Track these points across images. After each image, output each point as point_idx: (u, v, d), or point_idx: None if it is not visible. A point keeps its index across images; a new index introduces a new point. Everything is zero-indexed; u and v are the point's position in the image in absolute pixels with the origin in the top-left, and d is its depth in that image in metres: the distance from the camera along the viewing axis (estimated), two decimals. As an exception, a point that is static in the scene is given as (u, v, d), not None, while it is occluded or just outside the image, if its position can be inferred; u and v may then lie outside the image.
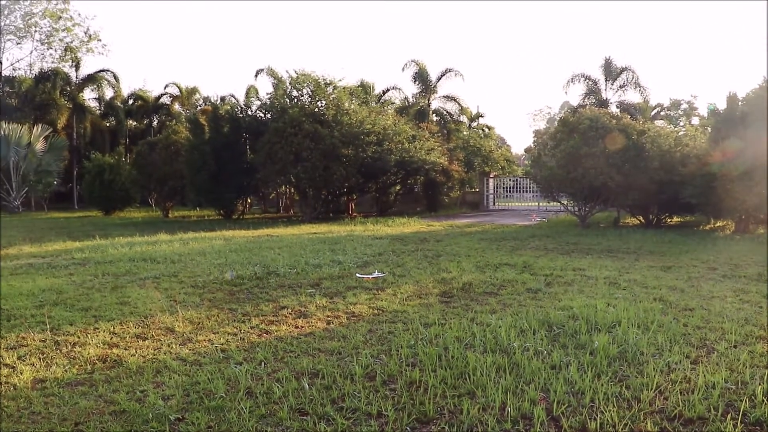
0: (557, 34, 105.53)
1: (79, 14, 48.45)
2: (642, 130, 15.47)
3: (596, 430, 3.07)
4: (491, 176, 29.00)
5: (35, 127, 29.84)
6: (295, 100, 21.22)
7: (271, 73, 23.98)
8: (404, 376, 3.83)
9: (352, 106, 21.26)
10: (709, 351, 4.31)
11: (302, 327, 5.17)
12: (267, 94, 23.17)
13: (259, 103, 23.72)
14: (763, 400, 3.36)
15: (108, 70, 36.22)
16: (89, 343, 4.68)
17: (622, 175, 14.73)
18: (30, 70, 36.12)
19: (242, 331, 5.05)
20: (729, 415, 3.21)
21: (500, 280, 7.24)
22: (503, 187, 29.53)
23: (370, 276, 7.59)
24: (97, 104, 37.81)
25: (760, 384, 3.60)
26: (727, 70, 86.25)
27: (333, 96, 20.96)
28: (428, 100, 32.00)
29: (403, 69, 33.35)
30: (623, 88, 30.11)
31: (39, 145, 29.59)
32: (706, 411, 3.26)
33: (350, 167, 19.91)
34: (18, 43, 37.34)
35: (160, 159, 24.40)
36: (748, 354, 4.18)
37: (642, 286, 6.83)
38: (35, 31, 35.55)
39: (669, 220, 16.83)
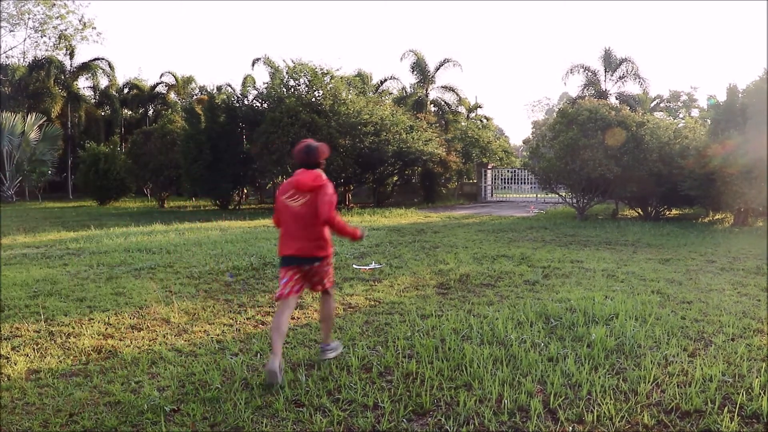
0: (557, 25, 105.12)
1: (74, 1, 47.96)
2: (641, 122, 15.41)
3: (593, 423, 3.06)
4: (489, 167, 28.94)
5: (29, 116, 29.57)
6: (292, 89, 21.07)
7: (268, 62, 23.76)
8: (401, 368, 3.81)
9: (349, 96, 21.13)
10: (707, 344, 4.31)
11: (298, 318, 5.14)
12: (264, 83, 23.00)
13: (255, 92, 23.53)
14: (759, 393, 3.35)
15: (103, 59, 35.85)
16: (84, 334, 4.65)
17: (621, 167, 14.70)
18: (23, 58, 35.77)
19: (238, 322, 5.03)
20: (726, 408, 3.20)
21: (498, 271, 7.23)
22: (501, 179, 29.49)
23: (367, 267, 7.56)
24: (92, 93, 37.44)
25: (757, 377, 3.59)
26: (727, 62, 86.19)
27: (330, 86, 20.82)
28: (426, 91, 31.83)
29: (401, 59, 33.23)
30: (623, 80, 30.00)
31: (33, 134, 29.35)
32: (703, 404, 3.25)
33: (347, 157, 19.83)
34: (11, 31, 36.95)
35: (155, 148, 24.25)
36: (746, 347, 4.17)
37: (640, 278, 6.82)
38: (28, 18, 35.12)
39: (667, 213, 16.84)
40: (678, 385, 3.49)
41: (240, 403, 3.29)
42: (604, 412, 3.15)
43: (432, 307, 5.41)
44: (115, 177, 25.94)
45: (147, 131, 26.10)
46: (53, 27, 35.53)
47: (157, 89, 37.50)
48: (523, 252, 8.93)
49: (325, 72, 21.12)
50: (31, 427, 3.08)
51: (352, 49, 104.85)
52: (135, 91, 37.55)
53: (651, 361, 3.86)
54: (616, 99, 29.00)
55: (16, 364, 3.97)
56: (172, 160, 23.59)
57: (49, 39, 35.61)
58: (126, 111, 37.90)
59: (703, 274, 7.09)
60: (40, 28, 35.40)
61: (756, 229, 12.94)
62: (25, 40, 37.77)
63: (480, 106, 36.88)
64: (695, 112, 42.17)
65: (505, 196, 28.83)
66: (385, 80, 32.34)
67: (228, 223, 14.78)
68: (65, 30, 35.58)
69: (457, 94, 33.18)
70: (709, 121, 17.74)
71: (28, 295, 6.04)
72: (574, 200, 16.43)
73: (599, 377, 3.60)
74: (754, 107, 13.32)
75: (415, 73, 31.50)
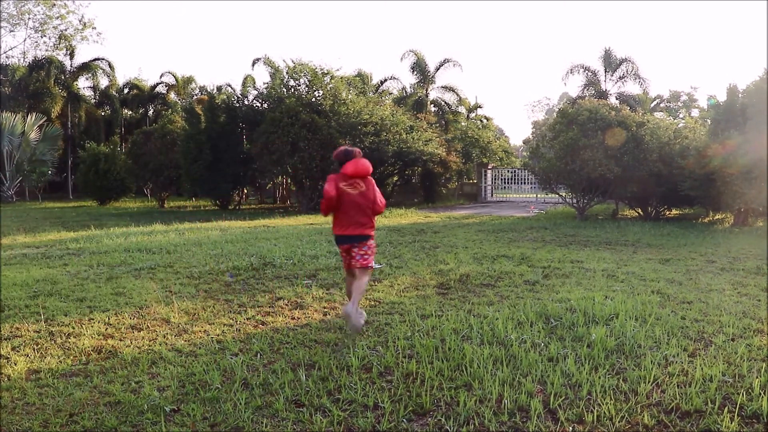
0: (557, 25, 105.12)
1: (74, 1, 47.98)
2: (641, 122, 15.41)
3: (593, 423, 3.06)
4: (489, 167, 28.94)
5: (29, 116, 29.56)
6: (292, 89, 21.07)
7: (268, 62, 23.76)
8: (401, 368, 3.81)
9: (349, 96, 21.13)
10: (707, 344, 4.30)
11: (298, 318, 5.14)
12: (264, 83, 23.02)
13: (255, 92, 23.56)
14: (760, 393, 3.35)
15: (103, 59, 35.85)
16: (84, 334, 4.65)
17: (621, 167, 14.70)
18: (23, 58, 35.77)
19: (238, 322, 5.03)
20: (726, 408, 3.20)
21: (498, 271, 7.22)
22: (501, 179, 29.50)
23: (367, 267, 7.55)
24: (92, 93, 37.44)
25: (757, 377, 3.59)
26: (727, 62, 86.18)
27: (330, 86, 20.82)
28: (426, 91, 31.83)
29: (401, 59, 33.26)
30: (623, 80, 29.99)
31: (33, 135, 29.35)
32: (703, 404, 3.25)
33: (348, 158, 19.80)
34: (11, 31, 36.92)
35: (155, 149, 24.26)
36: (746, 347, 4.17)
37: (640, 278, 6.82)
38: (29, 18, 35.12)
39: (667, 213, 16.83)
40: (678, 385, 3.49)
41: (240, 403, 3.29)
42: (604, 412, 3.15)
43: (432, 307, 5.41)
44: (115, 177, 25.95)
45: (147, 131, 26.11)
46: (53, 27, 35.54)
47: (157, 89, 37.49)
48: (523, 252, 8.93)
49: (325, 72, 21.12)
50: (31, 427, 3.08)
51: (352, 49, 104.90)
52: (135, 91, 37.54)
53: (651, 361, 3.85)
54: (616, 99, 29.00)
55: (16, 364, 3.97)
56: (172, 160, 23.60)
57: (49, 39, 35.63)
58: (126, 111, 37.90)
59: (703, 274, 7.08)
60: (40, 28, 35.41)
61: (756, 229, 12.93)
62: (25, 40, 37.80)
63: (480, 106, 36.89)
64: (695, 112, 42.18)
65: (505, 196, 28.83)
66: (385, 80, 32.37)
67: (228, 223, 14.78)
68: (65, 30, 35.59)
69: (457, 94, 33.20)
70: (709, 121, 17.73)
71: (28, 295, 6.04)
72: (574, 200, 16.43)
73: (599, 377, 3.60)
74: (754, 107, 13.31)
75: (415, 73, 31.50)
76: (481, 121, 35.79)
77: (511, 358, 3.97)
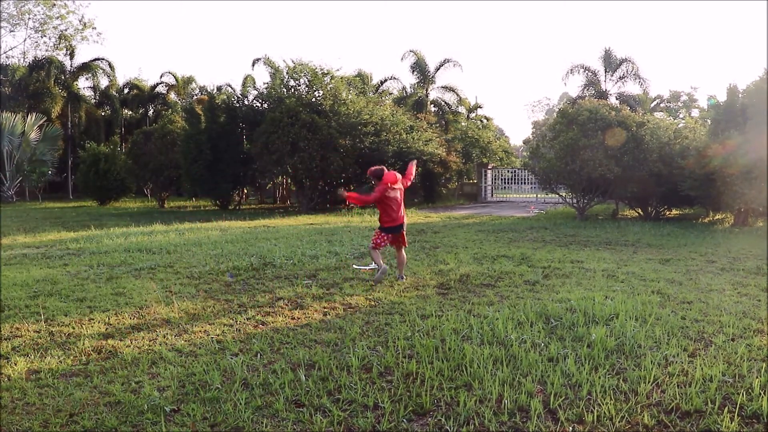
0: (557, 25, 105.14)
1: (74, 1, 47.97)
2: (641, 122, 15.40)
3: (593, 423, 3.06)
4: (489, 167, 28.94)
5: (29, 116, 29.56)
6: (292, 89, 21.07)
7: (268, 62, 23.76)
8: (401, 368, 3.81)
9: (349, 96, 21.13)
10: (707, 344, 4.30)
11: (298, 318, 5.14)
12: (264, 83, 23.03)
13: (255, 92, 23.57)
14: (760, 393, 3.35)
15: (103, 59, 35.82)
16: (84, 334, 4.65)
17: (621, 167, 14.69)
18: (24, 58, 35.75)
19: (238, 322, 5.03)
20: (726, 408, 3.20)
21: (498, 272, 7.23)
22: (501, 179, 29.49)
23: (367, 267, 7.55)
24: (92, 93, 37.41)
25: (757, 377, 3.59)
26: (727, 62, 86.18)
27: (330, 86, 20.82)
28: (426, 91, 31.82)
29: (401, 59, 33.31)
30: (623, 80, 29.96)
31: (33, 135, 29.34)
32: (703, 404, 3.25)
33: (347, 158, 19.83)
34: (11, 31, 36.89)
35: (155, 149, 24.27)
36: (746, 347, 4.17)
37: (640, 278, 6.82)
38: (29, 18, 35.10)
39: (668, 213, 16.82)
40: (678, 385, 3.49)
41: (240, 403, 3.29)
42: (604, 412, 3.15)
43: (432, 307, 5.41)
44: (116, 177, 25.94)
45: (147, 131, 26.12)
46: (53, 27, 35.51)
47: (157, 89, 37.47)
48: (524, 252, 8.93)
49: (325, 72, 21.12)
50: (31, 427, 3.08)
51: (352, 49, 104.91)
52: (135, 91, 37.52)
53: (651, 361, 3.85)
54: (616, 99, 28.98)
55: (16, 364, 3.97)
56: (172, 160, 23.61)
57: (50, 39, 35.59)
58: (126, 111, 37.88)
59: (703, 275, 7.08)
60: (40, 29, 35.39)
61: (756, 229, 12.93)
62: (25, 40, 37.81)
63: (480, 107, 36.87)
64: (695, 113, 42.14)
65: (505, 196, 28.83)
66: (385, 80, 32.36)
67: (228, 223, 14.78)
68: (65, 30, 35.55)
69: (457, 94, 33.19)
70: (709, 121, 17.72)
71: (28, 295, 6.04)
72: (575, 200, 16.42)
73: (599, 377, 3.60)
74: (754, 107, 13.31)
75: (415, 73, 31.49)
76: (481, 121, 35.77)
77: (511, 358, 3.97)
